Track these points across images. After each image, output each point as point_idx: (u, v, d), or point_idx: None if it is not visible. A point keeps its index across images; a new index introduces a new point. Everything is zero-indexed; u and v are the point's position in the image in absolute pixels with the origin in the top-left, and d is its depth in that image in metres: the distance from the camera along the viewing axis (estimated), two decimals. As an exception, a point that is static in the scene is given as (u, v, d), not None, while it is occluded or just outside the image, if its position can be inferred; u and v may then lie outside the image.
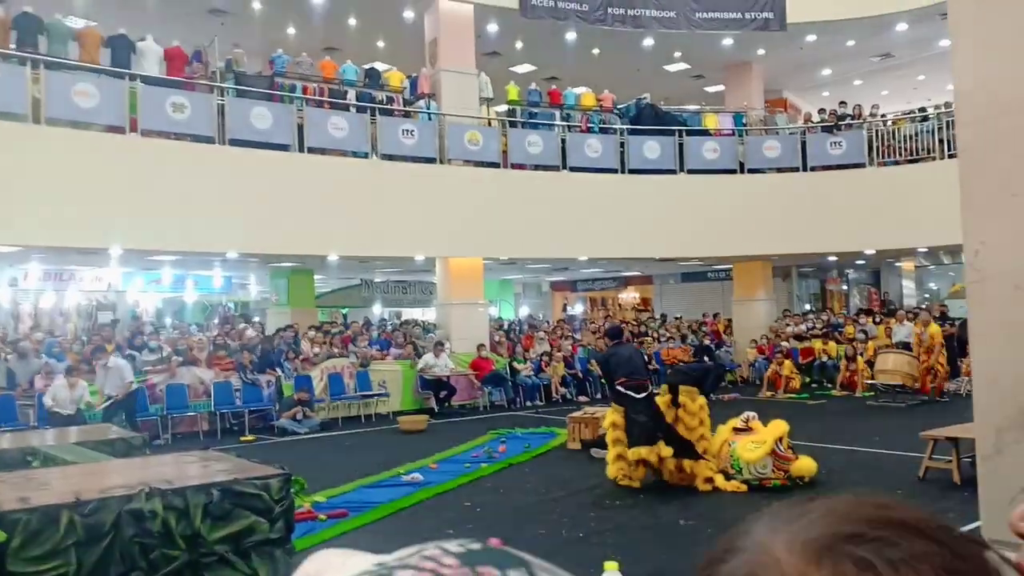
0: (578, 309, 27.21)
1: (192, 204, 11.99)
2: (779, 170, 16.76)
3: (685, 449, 7.37)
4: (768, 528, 0.51)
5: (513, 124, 16.11)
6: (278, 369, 12.83)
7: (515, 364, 15.03)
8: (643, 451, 7.27)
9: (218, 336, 14.21)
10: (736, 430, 7.74)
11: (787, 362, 15.59)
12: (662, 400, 7.69)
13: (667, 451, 7.30)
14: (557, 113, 16.71)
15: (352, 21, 16.13)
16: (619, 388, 7.55)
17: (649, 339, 17.62)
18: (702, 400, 7.76)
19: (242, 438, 11.40)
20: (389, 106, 14.86)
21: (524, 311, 26.75)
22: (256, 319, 19.36)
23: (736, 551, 0.51)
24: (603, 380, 8.13)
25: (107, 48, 12.47)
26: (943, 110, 15.90)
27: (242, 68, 13.97)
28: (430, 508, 6.96)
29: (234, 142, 12.61)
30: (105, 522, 3.52)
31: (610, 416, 7.71)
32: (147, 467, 4.52)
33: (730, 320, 19.42)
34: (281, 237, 13.08)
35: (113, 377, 10.63)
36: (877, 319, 17.22)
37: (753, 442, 7.42)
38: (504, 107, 16.97)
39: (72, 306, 18.05)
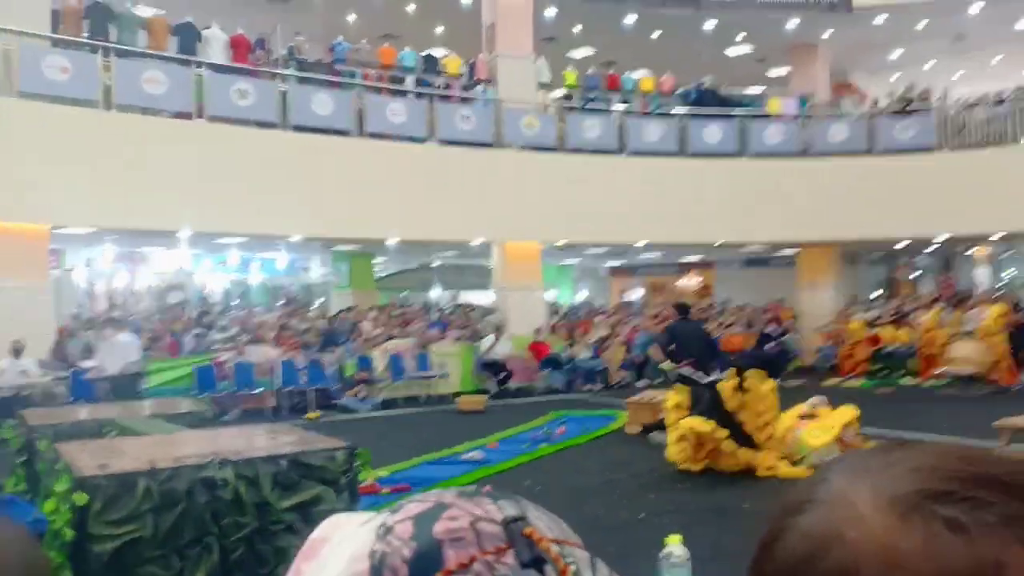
0: (636, 295, 26.98)
1: (257, 188, 12.27)
2: (845, 154, 16.32)
3: (743, 439, 7.25)
4: (849, 479, 0.48)
5: (570, 109, 16.01)
6: (340, 349, 13.07)
7: (572, 348, 15.00)
8: (697, 421, 7.16)
9: (281, 317, 14.54)
10: (802, 416, 7.58)
11: (861, 344, 15.29)
12: (728, 385, 7.56)
13: (722, 432, 7.16)
14: (615, 98, 16.52)
15: (411, 7, 16.23)
16: (682, 372, 7.48)
17: (712, 325, 17.36)
18: (772, 383, 7.59)
19: (307, 416, 11.65)
20: (447, 92, 14.91)
21: (582, 296, 26.67)
22: (321, 299, 19.77)
23: (815, 503, 0.48)
24: (666, 356, 8.00)
25: (174, 36, 12.80)
26: (1020, 93, 15.24)
27: (304, 55, 14.18)
28: (490, 486, 6.99)
29: (297, 128, 12.83)
30: (179, 489, 3.62)
31: (673, 397, 7.61)
32: (218, 438, 4.64)
33: (792, 308, 19.01)
34: (342, 221, 13.29)
35: (117, 354, 10.29)
36: (950, 306, 16.62)
37: (820, 428, 7.26)
38: (561, 92, 16.86)
39: (144, 287, 18.69)
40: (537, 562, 0.47)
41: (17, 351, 10.02)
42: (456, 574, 0.46)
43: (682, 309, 8.48)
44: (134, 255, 17.94)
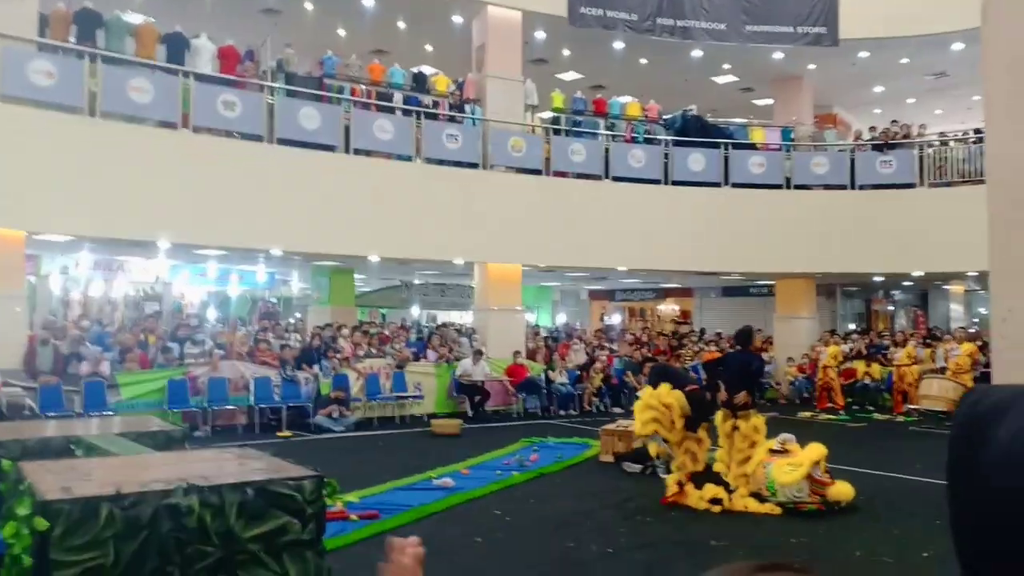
0: (616, 319, 27.08)
1: (239, 201, 12.21)
2: (826, 187, 16.53)
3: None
4: None
5: (557, 132, 16.10)
6: (316, 367, 12.97)
7: (550, 372, 14.99)
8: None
9: (258, 332, 14.42)
10: (772, 451, 7.61)
11: (837, 379, 15.46)
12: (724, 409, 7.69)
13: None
14: (602, 122, 16.65)
15: (401, 24, 16.27)
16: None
17: (687, 352, 17.47)
18: (757, 421, 7.61)
19: (279, 433, 11.54)
20: (435, 110, 14.95)
21: (561, 319, 26.72)
22: (298, 315, 19.63)
23: None
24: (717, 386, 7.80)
25: (162, 45, 12.72)
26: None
27: (293, 68, 14.15)
28: (460, 514, 6.96)
29: (282, 141, 12.79)
30: (143, 516, 3.56)
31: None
32: (185, 462, 4.56)
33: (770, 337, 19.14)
34: (324, 236, 13.24)
35: None
36: (923, 343, 16.82)
37: (789, 464, 7.29)
38: (549, 114, 16.97)
39: (120, 296, 18.47)
40: None
41: None
42: None
43: (744, 339, 8.25)
44: (112, 263, 17.76)
